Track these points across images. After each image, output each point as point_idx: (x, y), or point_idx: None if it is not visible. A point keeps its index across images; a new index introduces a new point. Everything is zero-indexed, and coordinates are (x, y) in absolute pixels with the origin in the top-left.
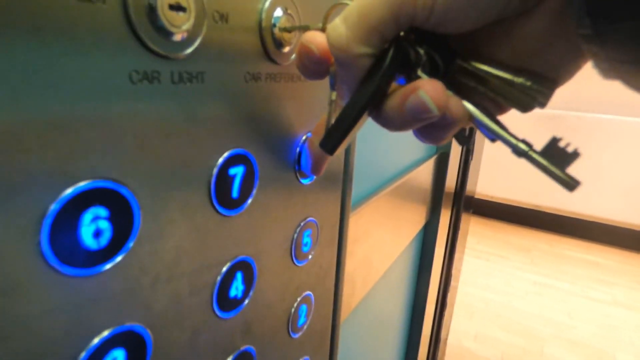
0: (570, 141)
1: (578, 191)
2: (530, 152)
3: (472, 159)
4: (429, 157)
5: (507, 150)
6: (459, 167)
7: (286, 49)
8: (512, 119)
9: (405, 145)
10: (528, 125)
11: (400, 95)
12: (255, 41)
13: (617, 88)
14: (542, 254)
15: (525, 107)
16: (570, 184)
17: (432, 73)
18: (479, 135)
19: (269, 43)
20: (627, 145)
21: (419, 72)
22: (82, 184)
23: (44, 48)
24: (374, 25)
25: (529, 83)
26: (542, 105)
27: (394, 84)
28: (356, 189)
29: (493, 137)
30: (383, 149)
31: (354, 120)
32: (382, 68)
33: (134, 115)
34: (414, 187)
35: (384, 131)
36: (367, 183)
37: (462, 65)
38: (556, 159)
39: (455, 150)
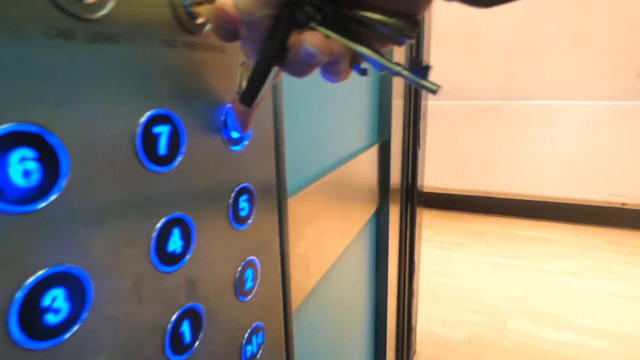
0: (424, 59)
1: (523, 174)
2: (402, 71)
3: (416, 148)
4: (371, 144)
5: (453, 145)
6: (402, 155)
7: (199, 20)
8: (459, 111)
9: (345, 133)
10: (470, 116)
11: (294, 48)
12: (166, 10)
13: (546, 76)
14: (496, 237)
15: (398, 42)
16: (433, 88)
17: (326, 23)
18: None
19: (180, 12)
20: (560, 127)
21: (313, 25)
22: (5, 125)
23: None
24: None
25: (398, 22)
26: (412, 38)
27: (294, 35)
28: (299, 172)
29: (375, 64)
30: (323, 133)
31: (264, 73)
32: (280, 27)
33: (53, 67)
34: (359, 174)
35: (320, 118)
36: (310, 167)
37: (348, 14)
38: (419, 72)
39: (396, 139)
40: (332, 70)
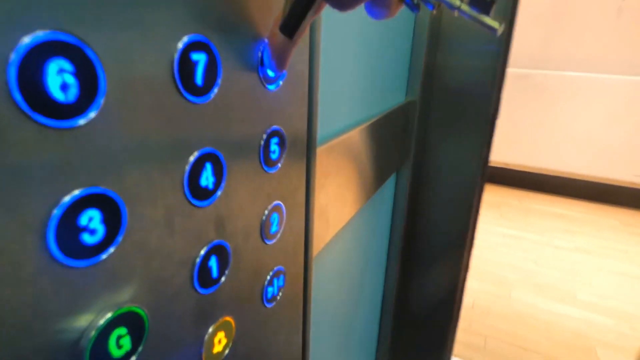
0: None
1: (546, 147)
2: (462, 6)
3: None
4: (397, 103)
5: None
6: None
7: None
8: None
9: (374, 88)
10: None
11: None
12: None
13: (584, 47)
14: (511, 209)
15: None
16: (495, 26)
17: None
18: None
19: None
20: (590, 102)
21: None
22: (44, 32)
23: None
24: None
25: None
26: None
27: None
28: (327, 124)
29: None
30: (353, 86)
31: (307, 2)
32: None
33: None
34: (385, 132)
35: (352, 71)
36: (338, 121)
37: None
38: (480, 8)
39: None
40: (381, 2)
